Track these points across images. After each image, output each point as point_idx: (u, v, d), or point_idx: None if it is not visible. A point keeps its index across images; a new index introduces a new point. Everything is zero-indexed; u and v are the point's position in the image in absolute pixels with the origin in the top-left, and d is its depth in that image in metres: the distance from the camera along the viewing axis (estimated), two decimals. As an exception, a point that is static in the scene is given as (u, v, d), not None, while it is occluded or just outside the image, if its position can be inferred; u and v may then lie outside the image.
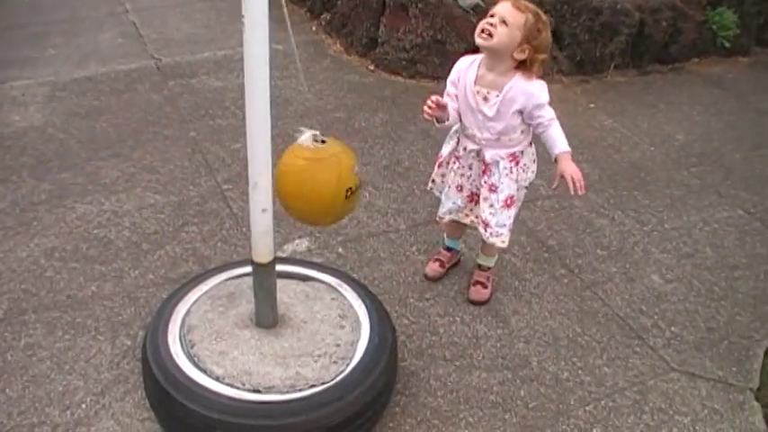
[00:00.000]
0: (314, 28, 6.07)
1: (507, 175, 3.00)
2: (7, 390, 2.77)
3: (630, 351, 3.15)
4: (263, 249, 2.56)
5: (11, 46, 5.58)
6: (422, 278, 3.43)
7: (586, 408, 2.87)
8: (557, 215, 3.95)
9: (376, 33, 5.48)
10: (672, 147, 4.76)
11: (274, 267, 2.63)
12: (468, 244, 3.56)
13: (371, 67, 5.43)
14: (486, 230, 3.10)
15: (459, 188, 3.15)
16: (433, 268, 3.43)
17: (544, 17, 2.82)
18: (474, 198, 3.15)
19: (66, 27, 5.96)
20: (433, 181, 3.29)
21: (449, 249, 3.47)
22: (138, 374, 2.81)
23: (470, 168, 3.09)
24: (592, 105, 5.20)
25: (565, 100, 5.21)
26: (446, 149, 3.17)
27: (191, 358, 2.58)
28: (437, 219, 3.32)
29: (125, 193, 3.90)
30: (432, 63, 5.23)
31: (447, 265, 3.46)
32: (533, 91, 2.86)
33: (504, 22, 2.75)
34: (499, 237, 3.09)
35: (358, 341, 2.70)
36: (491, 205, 3.05)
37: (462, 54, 5.16)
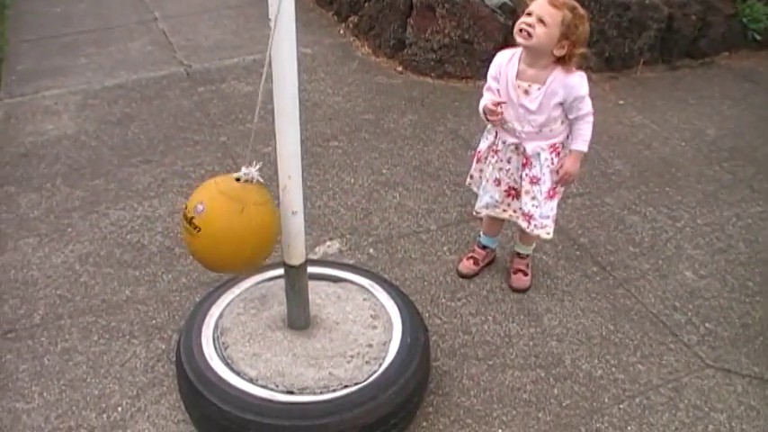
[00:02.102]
0: (341, 31, 6.09)
1: (548, 166, 3.03)
2: (45, 393, 2.81)
3: (664, 348, 3.13)
4: (294, 251, 2.57)
5: (43, 56, 5.66)
6: (453, 278, 3.44)
7: (620, 405, 2.86)
8: (588, 213, 3.94)
9: (403, 35, 5.48)
10: (703, 142, 4.71)
11: (306, 269, 2.64)
12: (500, 243, 3.55)
13: (399, 69, 5.44)
14: (529, 223, 3.13)
15: (497, 182, 3.16)
16: (466, 265, 3.44)
17: (581, 11, 2.84)
18: (512, 192, 3.17)
19: (96, 36, 6.04)
20: (471, 176, 3.31)
21: (484, 247, 3.48)
22: (172, 377, 2.84)
23: (509, 162, 3.10)
24: (621, 102, 5.16)
25: (594, 96, 5.06)
26: (484, 144, 3.19)
27: (224, 360, 2.61)
28: (474, 213, 3.34)
29: (157, 198, 3.94)
30: (460, 63, 5.23)
31: (481, 264, 3.46)
32: (574, 83, 2.91)
33: (541, 21, 2.78)
34: (544, 228, 3.14)
35: (390, 341, 2.71)
36: (533, 197, 3.08)
37: (490, 53, 5.14)
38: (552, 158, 3.03)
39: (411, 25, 5.41)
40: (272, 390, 2.49)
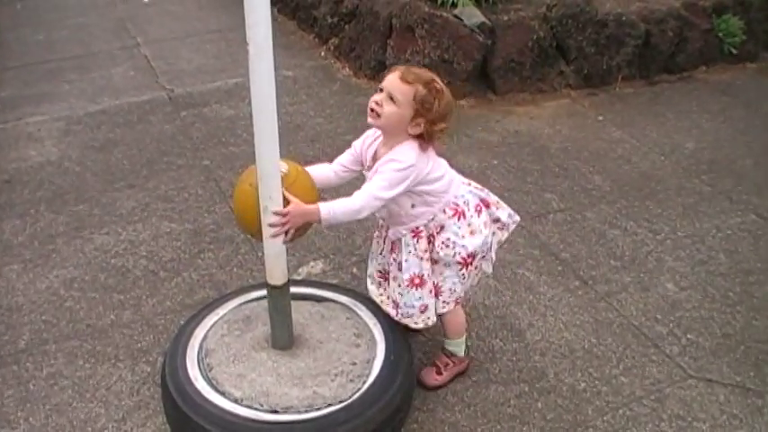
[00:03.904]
0: (322, 53, 6.15)
1: (411, 252, 2.71)
2: (30, 419, 2.81)
3: (647, 359, 3.16)
4: (276, 271, 2.59)
5: (26, 83, 5.69)
6: (436, 295, 3.45)
7: (604, 418, 2.88)
8: (569, 228, 3.97)
9: (384, 56, 5.53)
10: (682, 155, 4.77)
11: (288, 289, 2.66)
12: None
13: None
14: (396, 311, 2.84)
15: (377, 261, 2.97)
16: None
17: (439, 85, 2.55)
18: (385, 275, 2.92)
19: (79, 62, 6.07)
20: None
21: None
22: (158, 400, 2.85)
23: (384, 242, 2.87)
24: (600, 118, 5.22)
25: (573, 114, 5.23)
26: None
27: (209, 381, 2.62)
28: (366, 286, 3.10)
29: (141, 222, 3.96)
30: (440, 83, 5.27)
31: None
32: (394, 156, 2.56)
33: (391, 98, 2.52)
34: (410, 318, 2.81)
35: (374, 359, 2.73)
36: (399, 285, 2.79)
37: (469, 72, 5.21)
38: (415, 244, 2.70)
39: (391, 46, 5.46)
40: (256, 410, 2.50)
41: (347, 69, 5.85)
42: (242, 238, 3.81)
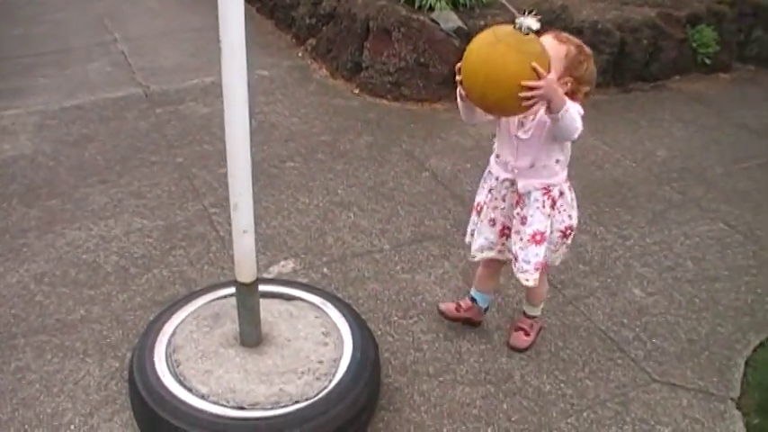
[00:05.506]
0: (300, 53, 6.16)
1: (539, 208, 2.87)
2: (-4, 413, 2.81)
3: (612, 363, 3.19)
4: (245, 269, 2.61)
5: (2, 77, 5.66)
6: (406, 296, 3.48)
7: (568, 420, 2.91)
8: (539, 232, 4.00)
9: (360, 58, 5.56)
10: (653, 163, 4.83)
11: (257, 287, 2.68)
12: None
13: (356, 91, 5.51)
14: (515, 265, 2.98)
15: (492, 222, 3.01)
16: (448, 306, 3.29)
17: (587, 50, 2.76)
18: (506, 232, 3.02)
19: (55, 58, 6.05)
20: (472, 234, 3.12)
21: (472, 300, 3.27)
22: (125, 395, 2.85)
23: (504, 200, 2.95)
24: (574, 124, 5.26)
25: (548, 119, 5.27)
26: (481, 196, 3.04)
27: (177, 377, 2.63)
28: (470, 258, 3.16)
29: (113, 218, 3.95)
30: (415, 86, 5.30)
31: (462, 312, 3.26)
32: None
33: None
34: (524, 273, 2.95)
35: (341, 358, 2.74)
36: (521, 239, 2.92)
37: (445, 76, 5.26)
38: (544, 201, 2.86)
39: (368, 48, 5.49)
40: (223, 406, 2.52)
41: (324, 70, 5.86)
42: (213, 236, 3.83)
